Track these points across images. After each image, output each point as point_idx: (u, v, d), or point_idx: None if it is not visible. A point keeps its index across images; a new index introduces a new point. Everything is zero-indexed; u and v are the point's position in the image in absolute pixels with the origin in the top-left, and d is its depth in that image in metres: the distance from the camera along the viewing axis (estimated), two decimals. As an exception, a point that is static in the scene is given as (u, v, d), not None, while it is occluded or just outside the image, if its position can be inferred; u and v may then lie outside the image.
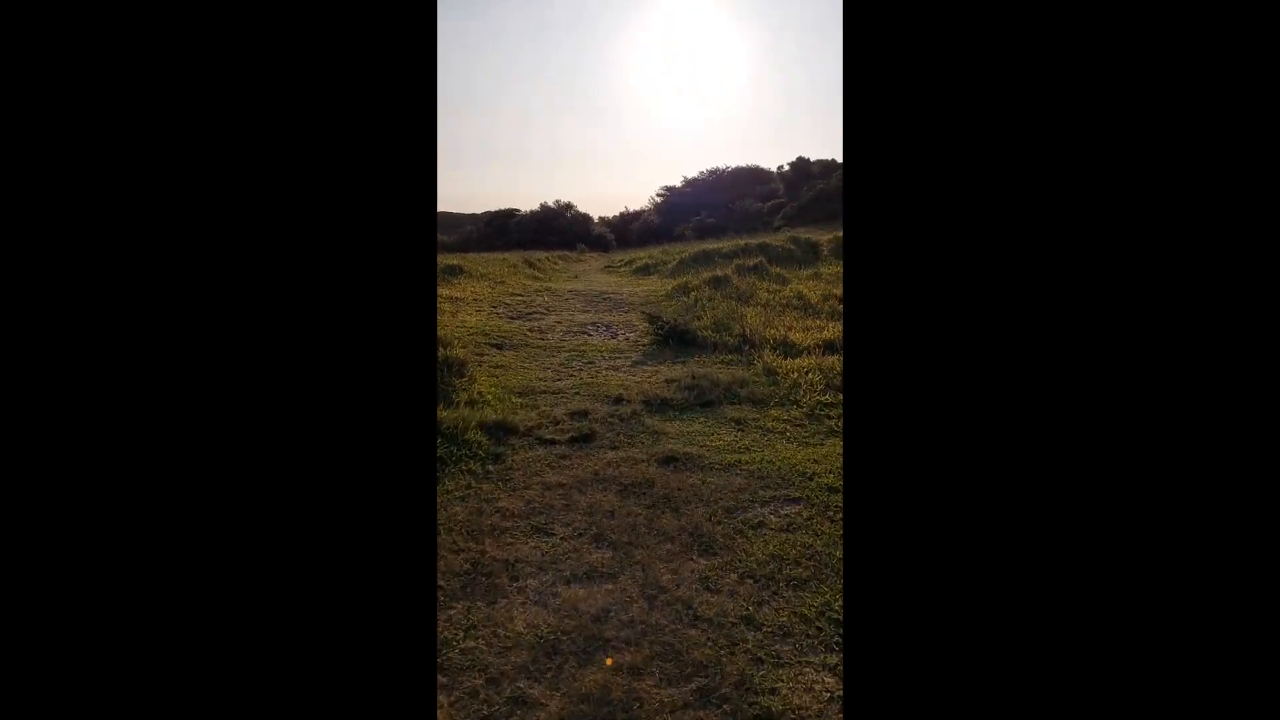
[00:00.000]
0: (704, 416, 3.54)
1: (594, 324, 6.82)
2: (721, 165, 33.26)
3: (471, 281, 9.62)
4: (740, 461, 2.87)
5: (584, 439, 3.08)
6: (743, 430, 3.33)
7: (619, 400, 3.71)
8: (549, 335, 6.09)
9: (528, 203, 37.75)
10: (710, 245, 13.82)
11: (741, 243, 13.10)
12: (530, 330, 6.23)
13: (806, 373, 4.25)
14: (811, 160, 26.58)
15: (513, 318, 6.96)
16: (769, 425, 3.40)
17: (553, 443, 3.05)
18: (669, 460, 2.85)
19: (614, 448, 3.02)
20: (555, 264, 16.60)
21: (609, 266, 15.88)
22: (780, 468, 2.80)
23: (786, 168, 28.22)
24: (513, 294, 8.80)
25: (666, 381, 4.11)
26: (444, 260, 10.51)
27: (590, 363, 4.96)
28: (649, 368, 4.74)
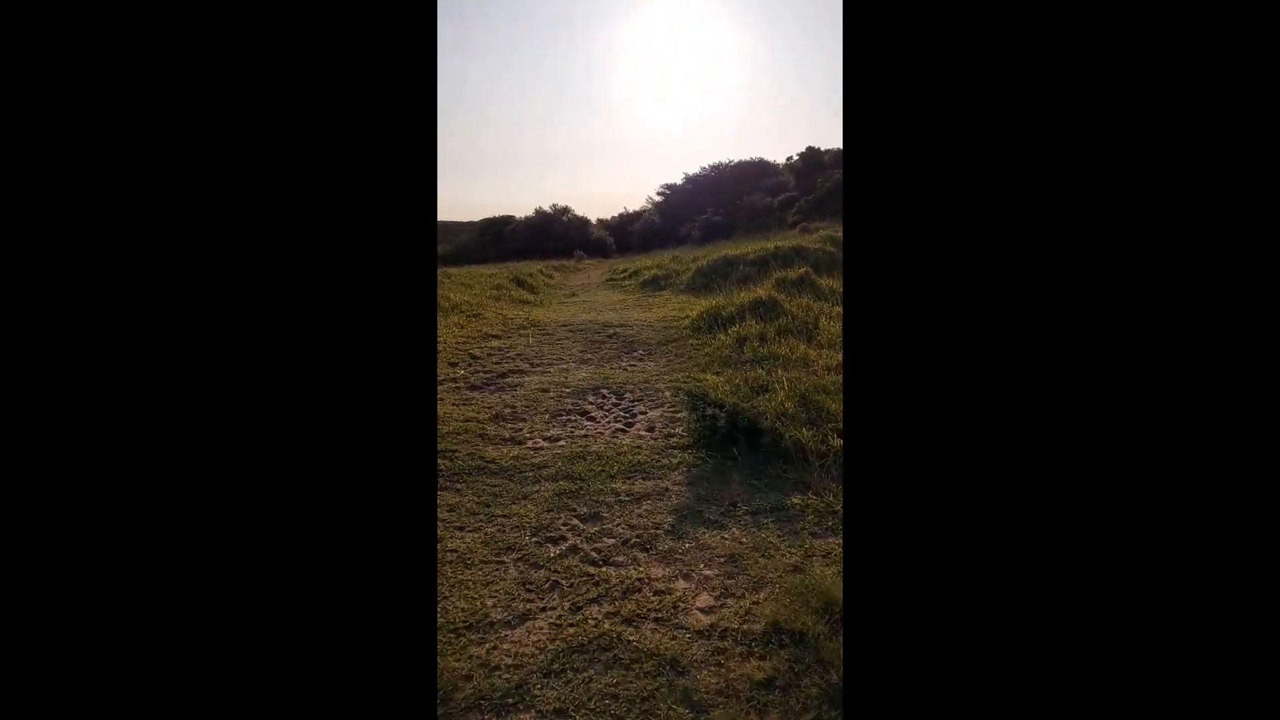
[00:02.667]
0: None
1: (598, 390, 4.39)
2: (724, 159, 30.73)
3: (439, 316, 7.19)
4: None
5: None
6: None
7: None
8: (525, 427, 3.65)
9: (525, 208, 35.32)
10: (730, 249, 11.34)
11: (770, 245, 10.62)
12: (496, 418, 3.79)
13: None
14: (823, 150, 23.99)
15: (474, 387, 4.52)
16: None
17: None
18: None
19: None
20: (550, 278, 14.14)
21: (611, 279, 13.40)
22: None
23: (795, 158, 25.58)
24: (487, 335, 6.37)
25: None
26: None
27: (594, 514, 2.52)
28: (715, 537, 2.29)
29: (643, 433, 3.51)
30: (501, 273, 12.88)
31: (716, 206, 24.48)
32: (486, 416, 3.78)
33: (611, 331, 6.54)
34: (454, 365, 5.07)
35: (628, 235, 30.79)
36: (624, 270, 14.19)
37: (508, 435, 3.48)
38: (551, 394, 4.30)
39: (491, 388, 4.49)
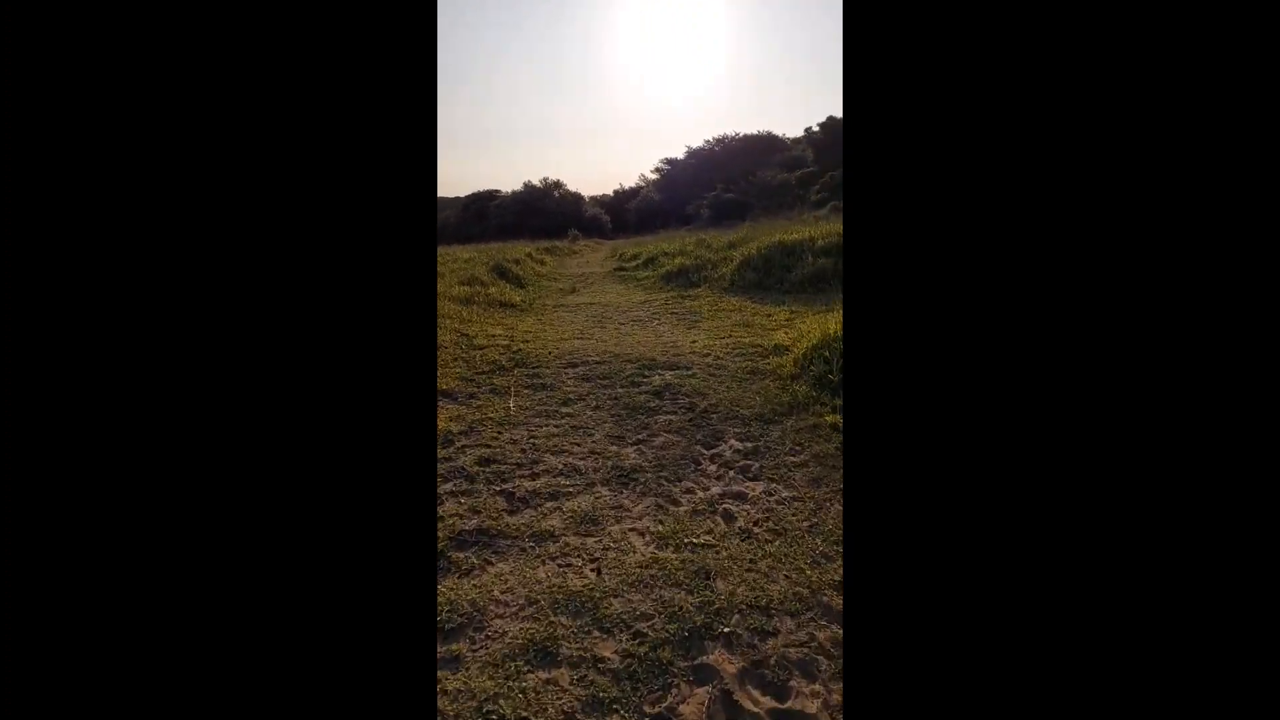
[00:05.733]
0: None
1: (696, 658, 1.44)
2: (728, 132, 27.35)
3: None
4: None
5: None
6: None
7: None
8: None
9: (512, 183, 31.72)
10: (783, 233, 8.29)
11: (838, 229, 7.62)
12: None
13: None
14: (846, 119, 20.71)
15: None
16: None
17: None
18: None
19: None
20: (540, 264, 11.00)
21: (620, 268, 10.29)
22: None
23: (816, 129, 22.23)
24: (438, 388, 3.35)
25: None
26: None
27: None
28: None
29: None
30: (481, 257, 9.74)
31: (726, 183, 21.27)
32: None
33: (658, 379, 3.53)
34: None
35: (624, 213, 27.53)
36: (633, 255, 11.09)
37: None
38: (569, 695, 1.33)
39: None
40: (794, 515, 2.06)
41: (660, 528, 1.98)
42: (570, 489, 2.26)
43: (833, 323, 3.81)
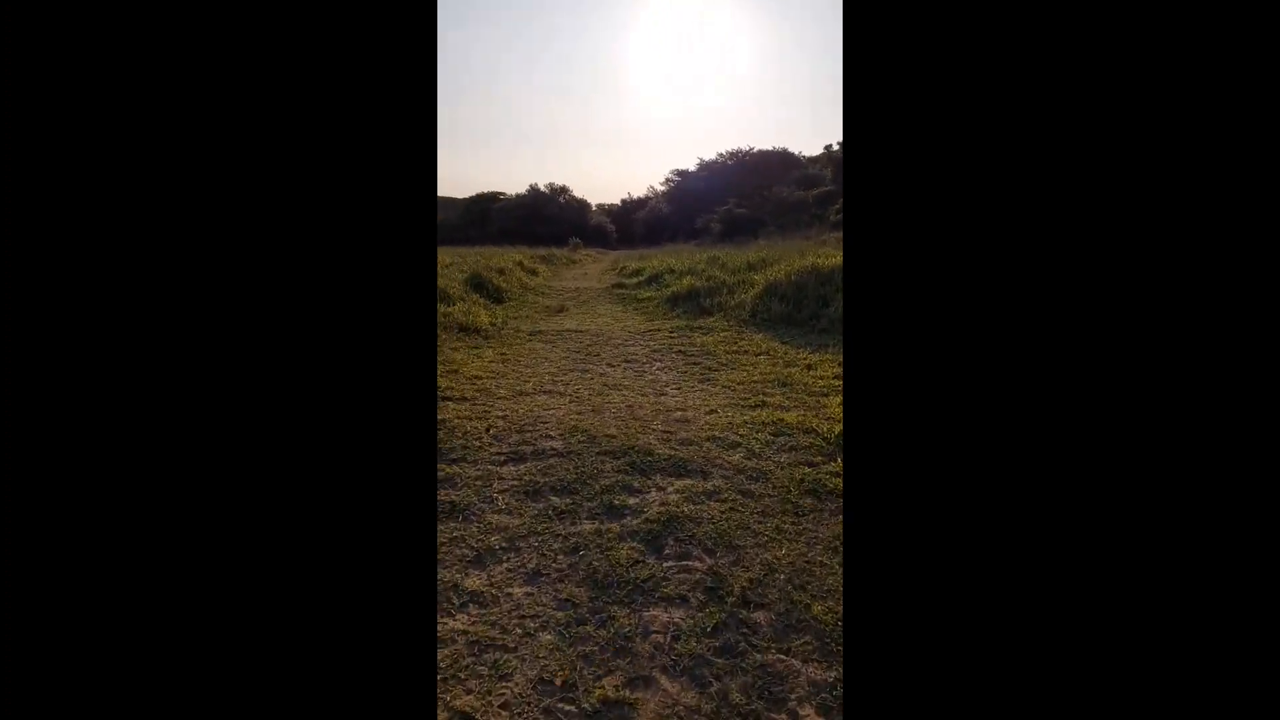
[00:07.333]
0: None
1: None
2: (743, 146, 26.00)
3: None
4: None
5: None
6: None
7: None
8: None
9: (518, 186, 30.37)
10: (816, 256, 6.82)
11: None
12: None
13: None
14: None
15: None
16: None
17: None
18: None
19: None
20: (531, 274, 9.54)
21: (618, 285, 8.80)
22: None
23: (835, 147, 20.84)
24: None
25: None
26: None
27: None
28: None
29: None
30: (461, 264, 8.30)
31: (739, 198, 19.87)
32: None
33: (655, 499, 2.04)
34: None
35: (631, 224, 26.15)
36: (635, 270, 9.63)
37: None
38: None
39: None
40: None
41: None
42: None
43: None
